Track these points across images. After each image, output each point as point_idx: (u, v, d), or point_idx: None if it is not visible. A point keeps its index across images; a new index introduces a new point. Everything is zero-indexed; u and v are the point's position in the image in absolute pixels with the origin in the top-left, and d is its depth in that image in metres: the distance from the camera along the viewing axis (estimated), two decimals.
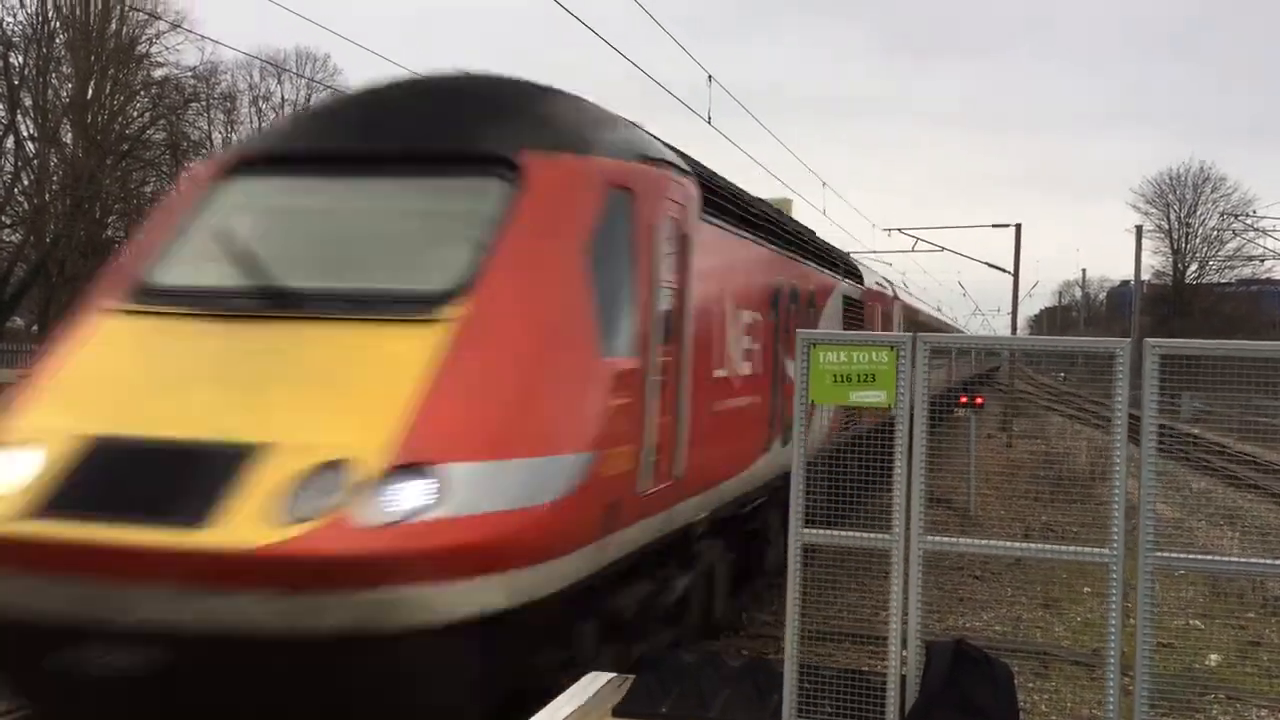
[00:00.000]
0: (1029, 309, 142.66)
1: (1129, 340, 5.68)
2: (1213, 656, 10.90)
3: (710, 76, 16.99)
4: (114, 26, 50.68)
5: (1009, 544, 6.45)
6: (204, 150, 55.16)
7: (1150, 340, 5.54)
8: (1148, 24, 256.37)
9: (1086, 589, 13.27)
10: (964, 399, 24.02)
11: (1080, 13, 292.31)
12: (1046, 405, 53.09)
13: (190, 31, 49.62)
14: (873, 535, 6.27)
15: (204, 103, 55.31)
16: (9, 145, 47.51)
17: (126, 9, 49.47)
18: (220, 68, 55.05)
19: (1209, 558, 6.54)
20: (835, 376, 6.09)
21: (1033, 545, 6.56)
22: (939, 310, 57.26)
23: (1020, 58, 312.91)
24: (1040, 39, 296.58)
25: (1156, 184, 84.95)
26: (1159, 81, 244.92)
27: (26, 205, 47.48)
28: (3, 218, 46.83)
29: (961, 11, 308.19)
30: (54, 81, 49.22)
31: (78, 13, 49.70)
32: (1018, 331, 47.40)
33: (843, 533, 6.32)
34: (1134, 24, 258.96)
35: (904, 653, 6.25)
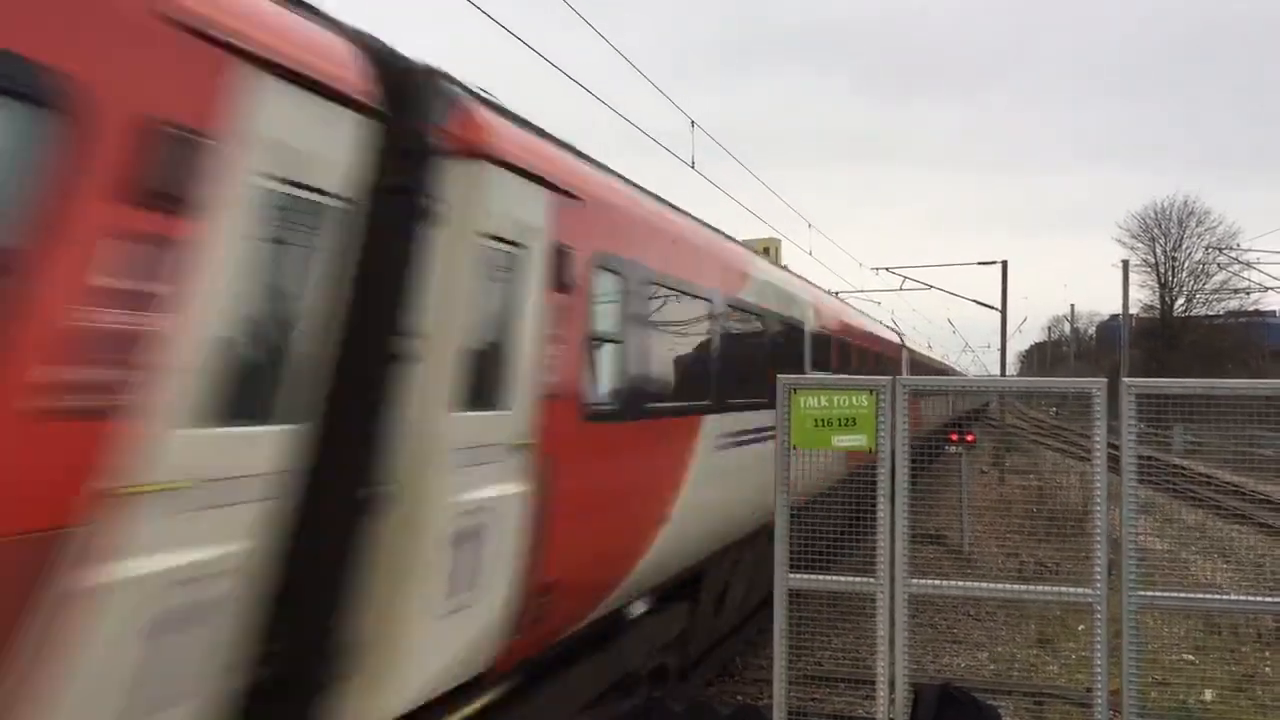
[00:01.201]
0: (1019, 344, 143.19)
1: (1104, 380, 5.73)
2: (1207, 692, 10.85)
3: (694, 122, 17.11)
4: None
5: (992, 585, 6.45)
6: None
7: (1126, 380, 5.58)
8: (1125, 59, 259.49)
9: (1081, 626, 13.23)
10: (955, 436, 23.96)
11: (1056, 51, 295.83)
12: (1038, 440, 53.10)
13: None
14: (857, 580, 6.27)
15: None
16: None
17: None
18: None
19: (1193, 595, 6.54)
20: (817, 421, 6.11)
21: (1016, 586, 6.57)
22: (930, 348, 57.57)
23: (999, 98, 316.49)
24: (1018, 79, 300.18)
25: (1141, 219, 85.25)
26: (1139, 117, 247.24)
27: None
28: None
29: (939, 55, 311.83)
30: None
31: None
32: (1008, 367, 47.48)
33: (826, 577, 6.32)
34: (1111, 61, 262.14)
35: (893, 696, 6.23)
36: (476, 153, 5.42)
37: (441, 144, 5.17)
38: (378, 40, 4.99)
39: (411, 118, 5.00)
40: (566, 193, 6.40)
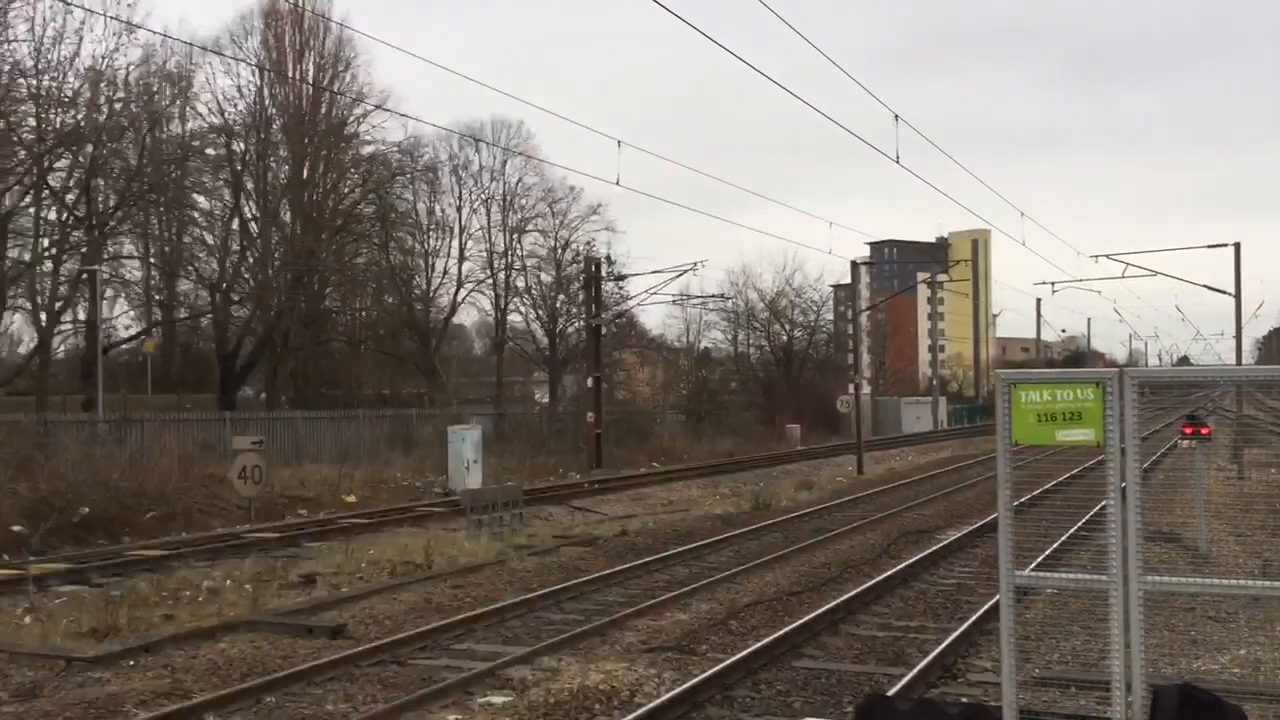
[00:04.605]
0: (1256, 330, 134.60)
1: None
2: None
3: (897, 116, 16.90)
4: (324, 110, 53.97)
5: (1236, 582, 6.14)
6: (410, 220, 57.94)
7: None
8: None
9: None
10: (1189, 429, 22.86)
11: (1269, 25, 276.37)
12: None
13: (393, 111, 52.77)
14: (1087, 576, 6.09)
15: (409, 175, 58.02)
16: (235, 226, 51.24)
17: (335, 93, 52.74)
18: (422, 141, 57.82)
19: None
20: (1039, 416, 5.97)
21: (1257, 582, 6.25)
22: None
23: (1211, 73, 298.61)
24: (1230, 53, 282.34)
25: None
26: None
27: (251, 281, 50.69)
28: (232, 294, 50.17)
29: (1146, 31, 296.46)
30: (272, 165, 52.80)
31: (291, 99, 53.27)
32: (1244, 355, 44.69)
33: (1056, 574, 6.18)
34: None
35: (1129, 698, 6.04)
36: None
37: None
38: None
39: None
40: None
